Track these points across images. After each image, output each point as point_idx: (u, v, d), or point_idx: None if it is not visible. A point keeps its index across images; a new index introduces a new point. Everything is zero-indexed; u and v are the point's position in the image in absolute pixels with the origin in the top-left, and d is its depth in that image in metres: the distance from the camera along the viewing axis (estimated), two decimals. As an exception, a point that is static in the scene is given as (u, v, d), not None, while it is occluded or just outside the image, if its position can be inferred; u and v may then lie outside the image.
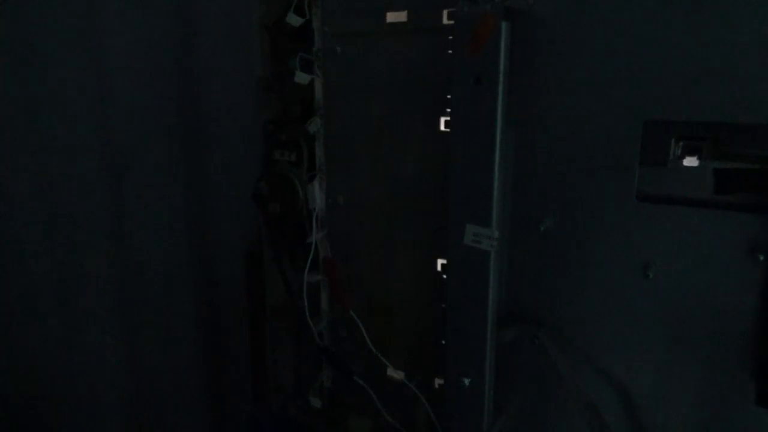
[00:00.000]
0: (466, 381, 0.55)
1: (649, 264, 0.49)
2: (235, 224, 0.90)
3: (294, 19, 0.62)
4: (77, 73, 0.77)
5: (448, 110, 0.53)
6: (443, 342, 0.58)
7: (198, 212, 0.92)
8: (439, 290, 0.60)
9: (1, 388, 0.76)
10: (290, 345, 0.76)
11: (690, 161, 0.47)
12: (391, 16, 0.59)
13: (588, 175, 0.51)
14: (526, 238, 0.55)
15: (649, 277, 0.49)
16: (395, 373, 0.66)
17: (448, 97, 0.53)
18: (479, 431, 0.56)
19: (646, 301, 0.50)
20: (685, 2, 0.45)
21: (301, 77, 0.63)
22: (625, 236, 0.50)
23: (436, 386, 0.64)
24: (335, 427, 0.72)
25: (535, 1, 0.50)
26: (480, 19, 0.48)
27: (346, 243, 0.68)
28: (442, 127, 0.58)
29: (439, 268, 0.61)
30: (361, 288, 0.68)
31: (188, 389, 0.95)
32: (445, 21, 0.55)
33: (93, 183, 0.80)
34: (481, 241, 0.52)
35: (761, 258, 0.44)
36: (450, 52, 0.52)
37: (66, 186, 0.78)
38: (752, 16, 0.42)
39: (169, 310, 0.91)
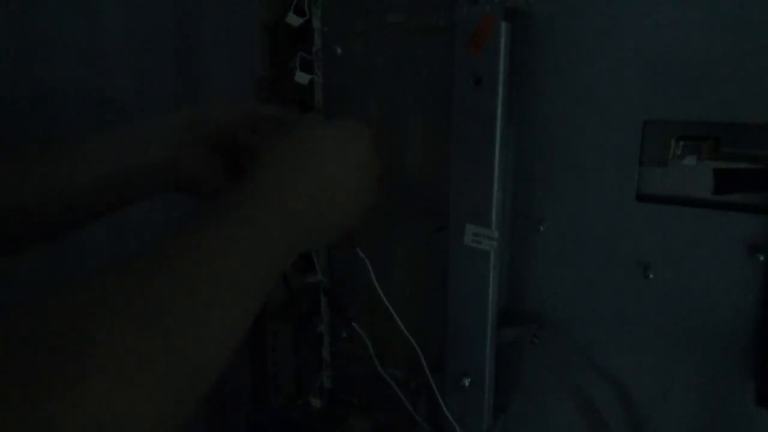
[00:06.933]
0: (466, 381, 0.55)
1: (649, 264, 0.49)
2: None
3: (294, 19, 0.62)
4: (76, 72, 0.77)
5: (448, 110, 0.53)
6: (443, 342, 0.58)
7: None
8: (439, 290, 0.60)
9: None
10: (290, 345, 0.76)
11: (690, 161, 0.47)
12: (392, 16, 0.59)
13: (588, 175, 0.51)
14: (526, 238, 0.55)
15: (649, 277, 0.49)
16: (395, 373, 0.66)
17: (448, 97, 0.53)
18: (479, 431, 0.56)
19: (646, 301, 0.50)
20: (685, 2, 0.45)
21: (301, 77, 0.63)
22: (625, 236, 0.50)
23: (437, 386, 0.64)
24: (335, 427, 0.72)
25: (535, 2, 0.50)
26: (480, 20, 0.48)
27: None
28: (442, 128, 0.58)
29: (439, 268, 0.61)
30: (361, 288, 0.68)
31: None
32: (445, 21, 0.55)
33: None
34: (481, 241, 0.52)
35: (761, 258, 0.44)
36: (450, 52, 0.52)
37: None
38: (752, 16, 0.42)
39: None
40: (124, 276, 0.28)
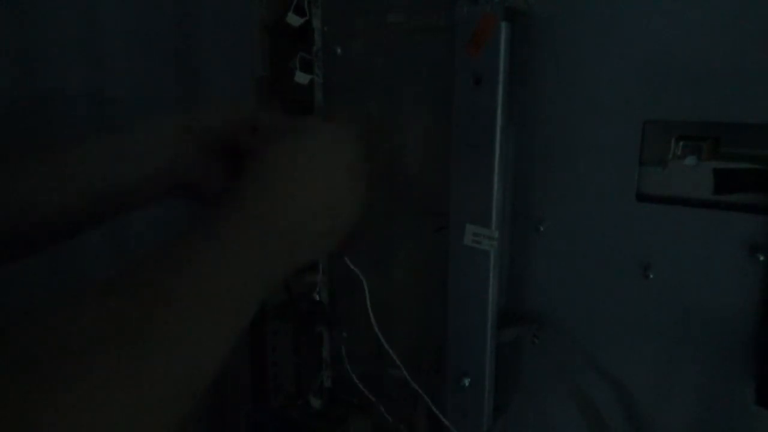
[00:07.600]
0: (466, 381, 0.55)
1: (649, 264, 0.49)
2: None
3: (294, 19, 0.62)
4: (76, 72, 0.77)
5: (448, 110, 0.53)
6: (443, 342, 0.58)
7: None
8: (439, 290, 0.60)
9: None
10: (290, 345, 0.76)
11: (690, 161, 0.47)
12: (392, 16, 0.59)
13: (588, 175, 0.51)
14: (526, 238, 0.55)
15: (649, 277, 0.49)
16: (396, 373, 0.66)
17: (448, 97, 0.53)
18: (479, 431, 0.56)
19: (646, 301, 0.50)
20: (685, 2, 0.45)
21: (301, 77, 0.63)
22: (624, 236, 0.50)
23: (437, 386, 0.64)
24: (335, 427, 0.72)
25: (535, 2, 0.50)
26: (480, 20, 0.48)
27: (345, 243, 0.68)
28: (442, 128, 0.58)
29: (439, 268, 0.61)
30: (361, 288, 0.67)
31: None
32: (445, 21, 0.55)
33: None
34: (481, 241, 0.52)
35: (761, 258, 0.44)
36: (450, 52, 0.52)
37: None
38: (752, 16, 0.42)
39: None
40: (121, 284, 0.29)
